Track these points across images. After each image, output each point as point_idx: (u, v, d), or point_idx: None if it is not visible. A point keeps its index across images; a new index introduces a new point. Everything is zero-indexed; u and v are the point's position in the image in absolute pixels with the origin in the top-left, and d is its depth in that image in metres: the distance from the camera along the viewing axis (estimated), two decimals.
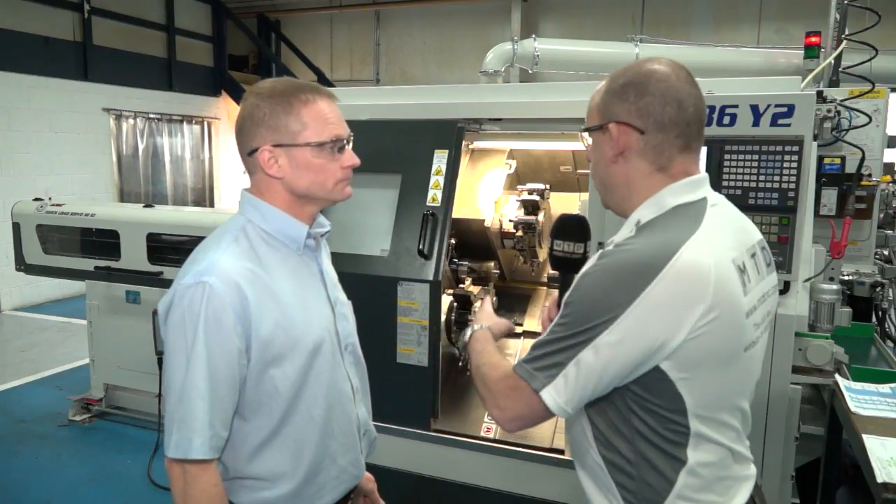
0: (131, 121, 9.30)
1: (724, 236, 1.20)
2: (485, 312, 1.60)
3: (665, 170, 1.24)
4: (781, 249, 2.02)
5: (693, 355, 1.12)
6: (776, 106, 2.00)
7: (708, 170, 1.31)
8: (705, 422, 1.18)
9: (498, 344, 1.47)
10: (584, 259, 1.49)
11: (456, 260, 3.18)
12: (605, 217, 2.18)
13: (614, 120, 1.24)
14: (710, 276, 1.11)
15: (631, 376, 1.15)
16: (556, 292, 1.55)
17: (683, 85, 1.23)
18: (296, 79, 1.53)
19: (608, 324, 1.12)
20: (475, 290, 3.11)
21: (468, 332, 1.50)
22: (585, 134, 1.34)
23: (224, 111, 10.98)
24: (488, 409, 1.31)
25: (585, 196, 2.41)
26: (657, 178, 1.24)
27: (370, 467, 1.64)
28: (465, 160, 3.23)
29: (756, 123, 2.02)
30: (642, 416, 1.17)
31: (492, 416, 1.30)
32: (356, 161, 1.44)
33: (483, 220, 3.15)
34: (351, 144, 1.44)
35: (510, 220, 3.23)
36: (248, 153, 1.40)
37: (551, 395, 1.17)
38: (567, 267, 1.50)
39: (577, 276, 1.20)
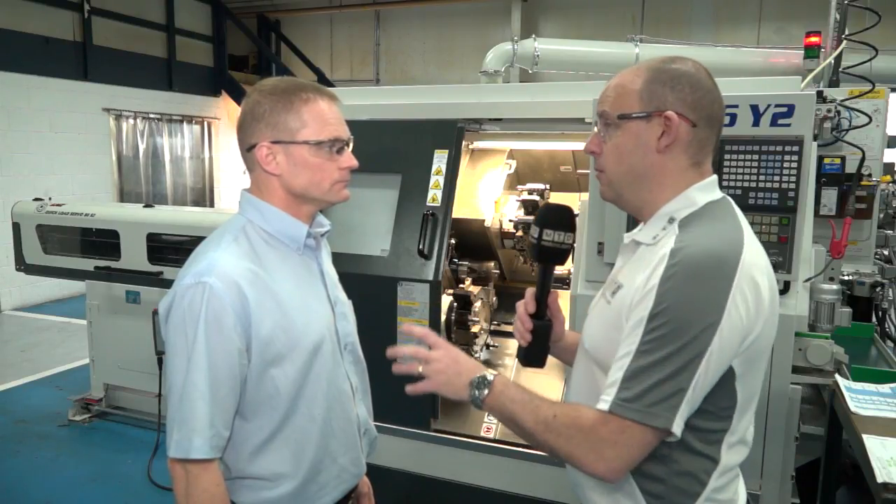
0: (131, 121, 9.30)
1: (753, 234, 1.22)
2: (465, 363, 1.35)
3: (699, 165, 1.23)
4: (781, 249, 2.01)
5: (755, 350, 1.14)
6: (776, 106, 2.00)
7: None
8: (742, 419, 1.19)
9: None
10: (570, 250, 1.43)
11: (456, 260, 3.18)
12: (604, 215, 2.18)
13: (668, 109, 1.18)
14: (766, 272, 1.15)
15: None
16: (533, 288, 1.48)
17: (717, 87, 1.24)
18: (299, 79, 1.53)
19: (715, 326, 1.06)
20: (475, 290, 3.11)
21: (477, 390, 1.26)
22: (607, 119, 1.24)
23: (224, 111, 10.98)
24: (583, 466, 1.13)
25: (585, 196, 2.41)
26: (690, 174, 1.22)
27: (370, 467, 1.64)
28: (465, 160, 3.23)
29: (756, 123, 2.02)
30: (690, 418, 1.12)
31: (588, 472, 1.13)
32: (354, 163, 1.43)
33: (483, 220, 3.15)
34: (351, 147, 1.44)
35: (510, 220, 3.22)
36: (248, 149, 1.40)
37: (679, 426, 1.08)
38: (552, 259, 1.42)
39: (655, 287, 1.10)
